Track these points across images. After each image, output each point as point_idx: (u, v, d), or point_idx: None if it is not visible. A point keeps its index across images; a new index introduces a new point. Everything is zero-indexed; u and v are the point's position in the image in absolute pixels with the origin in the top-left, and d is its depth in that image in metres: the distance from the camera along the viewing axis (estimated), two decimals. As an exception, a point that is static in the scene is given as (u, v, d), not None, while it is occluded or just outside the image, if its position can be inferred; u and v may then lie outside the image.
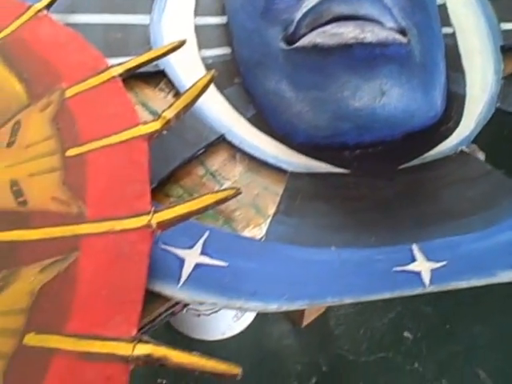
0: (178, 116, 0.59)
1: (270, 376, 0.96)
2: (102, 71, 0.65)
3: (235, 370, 0.46)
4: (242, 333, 0.98)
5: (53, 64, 0.66)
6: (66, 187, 0.56)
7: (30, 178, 0.58)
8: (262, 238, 0.57)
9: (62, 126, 0.61)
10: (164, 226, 0.53)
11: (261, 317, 1.02)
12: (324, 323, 1.05)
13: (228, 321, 0.96)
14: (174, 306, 0.55)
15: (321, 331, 1.05)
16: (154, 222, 0.53)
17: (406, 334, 1.04)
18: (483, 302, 1.05)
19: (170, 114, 0.59)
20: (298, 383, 0.98)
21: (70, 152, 0.59)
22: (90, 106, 0.62)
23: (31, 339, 0.48)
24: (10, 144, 0.60)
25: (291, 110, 0.62)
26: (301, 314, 1.02)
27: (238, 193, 0.53)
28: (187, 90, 0.60)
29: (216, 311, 0.95)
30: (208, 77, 0.60)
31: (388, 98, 0.59)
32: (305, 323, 1.03)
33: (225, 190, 0.54)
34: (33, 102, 0.63)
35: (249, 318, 1.00)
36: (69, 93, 0.63)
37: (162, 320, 0.55)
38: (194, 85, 0.60)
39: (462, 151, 0.63)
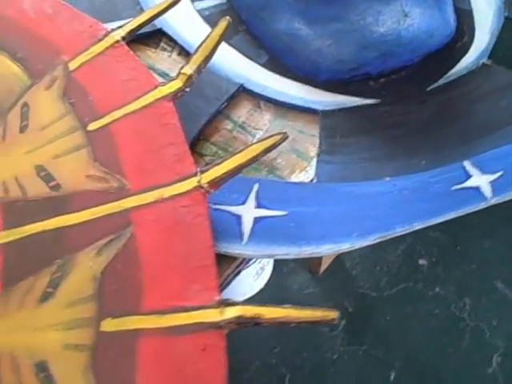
0: (199, 70, 0.56)
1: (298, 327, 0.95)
2: (103, 37, 0.60)
3: (332, 314, 0.45)
4: (261, 290, 0.97)
5: (47, 38, 0.61)
6: (98, 163, 0.53)
7: (56, 161, 0.54)
8: (312, 180, 0.55)
9: (74, 101, 0.57)
10: (215, 184, 0.50)
11: (277, 272, 1.01)
12: (340, 267, 1.05)
13: (249, 281, 0.94)
14: (239, 265, 0.52)
15: (339, 275, 1.05)
16: (204, 182, 0.50)
17: (421, 261, 1.05)
18: (488, 218, 1.07)
19: (190, 70, 0.56)
20: (328, 328, 0.98)
21: (92, 126, 0.55)
22: (99, 75, 0.58)
23: (109, 325, 0.45)
24: (23, 129, 0.56)
25: (310, 48, 0.60)
26: (317, 261, 1.01)
27: (285, 137, 0.51)
28: (203, 42, 0.57)
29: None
30: (223, 25, 0.57)
31: (411, 19, 0.58)
32: (322, 270, 1.03)
33: (271, 136, 0.51)
34: (36, 81, 0.59)
35: (267, 274, 0.99)
36: (72, 65, 0.59)
37: (228, 282, 0.53)
38: (209, 35, 0.57)
39: (483, 64, 0.62)
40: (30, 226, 0.50)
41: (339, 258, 1.06)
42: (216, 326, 0.44)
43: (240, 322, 0.44)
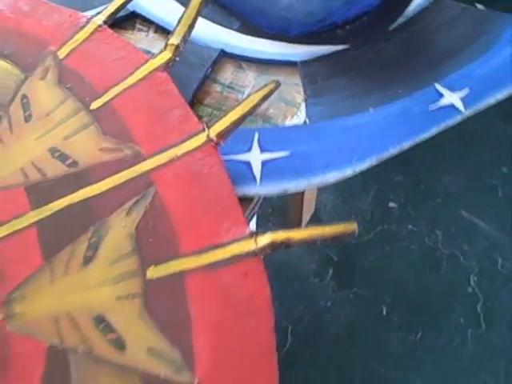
0: (184, 40, 0.59)
1: (291, 283, 1.00)
2: (85, 24, 0.63)
3: (352, 226, 0.49)
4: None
5: (30, 33, 0.63)
6: (108, 136, 0.55)
7: (67, 141, 0.56)
8: (305, 122, 0.59)
9: (72, 85, 0.59)
10: (223, 136, 0.54)
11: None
12: (319, 222, 1.10)
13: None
14: (254, 207, 0.56)
15: (319, 229, 1.09)
16: (213, 136, 0.54)
17: (390, 204, 1.11)
18: (443, 157, 1.14)
19: (176, 40, 0.59)
20: (318, 279, 1.03)
21: (94, 105, 0.57)
22: (90, 59, 0.61)
23: (154, 272, 0.48)
24: (27, 118, 0.58)
25: (279, 6, 0.64)
26: (297, 220, 1.05)
27: (278, 84, 0.55)
28: (184, 13, 0.60)
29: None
30: (200, -7, 0.60)
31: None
32: (302, 227, 1.08)
33: (265, 85, 0.55)
34: (29, 74, 0.60)
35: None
36: (61, 53, 0.61)
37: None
38: (189, 6, 0.60)
39: (435, 0, 0.68)
40: (57, 202, 0.52)
41: (316, 215, 1.11)
42: (252, 254, 0.48)
43: (273, 247, 0.48)
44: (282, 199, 1.09)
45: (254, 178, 0.54)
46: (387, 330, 0.98)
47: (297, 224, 1.07)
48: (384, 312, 1.00)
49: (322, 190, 1.06)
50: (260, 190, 0.54)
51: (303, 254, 1.07)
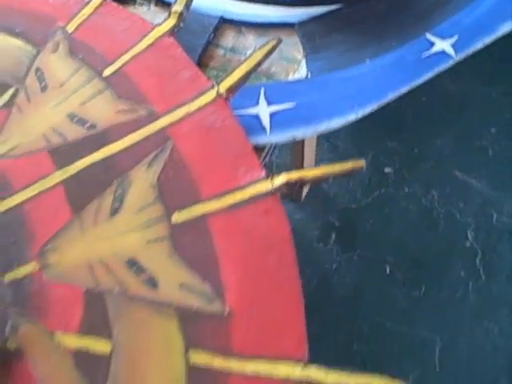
0: (187, 7, 0.62)
1: (296, 250, 1.03)
2: (90, 0, 0.66)
3: (360, 162, 0.52)
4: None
5: (37, 11, 0.66)
6: (123, 99, 0.58)
7: (84, 106, 0.59)
8: (306, 77, 0.62)
9: (83, 56, 0.62)
10: (232, 90, 0.57)
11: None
12: (319, 190, 1.13)
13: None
14: (265, 156, 0.59)
15: (319, 198, 1.12)
16: (222, 91, 0.57)
17: (386, 170, 1.14)
18: (432, 122, 1.18)
19: (179, 8, 0.62)
20: (322, 244, 1.06)
21: (107, 72, 0.60)
22: (99, 31, 0.63)
23: (178, 217, 0.51)
24: (43, 89, 0.60)
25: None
26: (297, 190, 1.08)
27: (280, 41, 0.58)
28: (184, -19, 0.63)
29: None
30: (198, -38, 0.63)
31: None
32: (303, 197, 1.11)
33: (267, 42, 0.58)
34: (40, 49, 0.63)
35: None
36: (70, 28, 0.64)
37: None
38: (188, -26, 0.63)
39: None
40: (80, 162, 0.55)
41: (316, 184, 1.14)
42: (270, 193, 0.51)
43: (289, 185, 0.51)
44: (283, 159, 1.11)
45: (264, 128, 0.57)
46: (392, 287, 1.02)
47: (297, 194, 1.10)
48: (387, 271, 1.03)
49: (318, 160, 1.09)
50: (270, 138, 0.57)
51: (306, 222, 1.10)
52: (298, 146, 0.98)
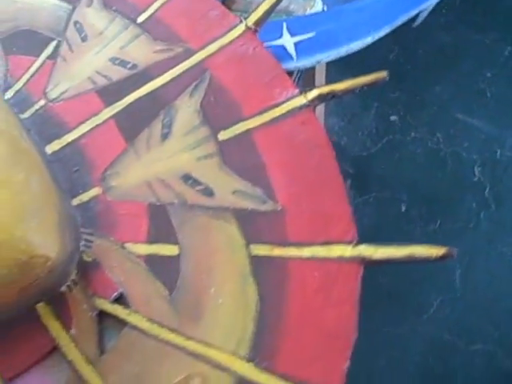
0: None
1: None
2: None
3: (382, 73, 0.57)
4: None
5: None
6: (158, 41, 0.63)
7: (123, 50, 0.63)
8: (323, 10, 0.67)
9: (116, 8, 0.66)
10: (259, 23, 0.61)
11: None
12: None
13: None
14: (294, 81, 0.64)
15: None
16: (250, 24, 0.61)
17: (392, 118, 1.19)
18: (430, 70, 1.23)
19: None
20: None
21: (140, 19, 0.64)
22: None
23: (224, 135, 0.56)
24: (84, 39, 0.65)
25: None
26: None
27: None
28: None
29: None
30: None
31: None
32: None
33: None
34: (76, 5, 0.67)
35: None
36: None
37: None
38: None
39: None
40: (127, 98, 0.60)
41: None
42: (305, 106, 0.55)
43: (321, 98, 0.56)
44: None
45: (291, 56, 0.62)
46: (408, 224, 1.07)
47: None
48: (403, 209, 1.08)
49: (327, 115, 1.13)
50: (297, 64, 0.62)
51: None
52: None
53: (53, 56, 0.64)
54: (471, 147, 1.15)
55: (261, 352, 0.45)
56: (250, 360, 0.45)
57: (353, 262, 0.48)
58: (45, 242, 0.47)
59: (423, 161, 1.14)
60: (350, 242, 0.49)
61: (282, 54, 0.62)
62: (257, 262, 0.49)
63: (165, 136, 0.56)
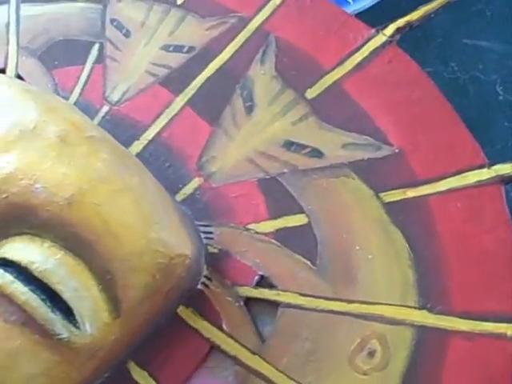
0: None
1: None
2: None
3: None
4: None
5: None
6: (207, 17, 0.59)
7: (173, 35, 0.59)
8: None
9: (150, -5, 0.62)
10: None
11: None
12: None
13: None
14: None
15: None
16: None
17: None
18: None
19: None
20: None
21: (178, 1, 0.61)
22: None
23: (312, 92, 0.53)
24: (126, 35, 0.60)
25: None
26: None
27: None
28: None
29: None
30: None
31: None
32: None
33: None
34: (106, 3, 0.63)
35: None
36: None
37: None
38: None
39: None
40: (195, 82, 0.56)
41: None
42: (387, 43, 0.52)
43: (399, 31, 0.53)
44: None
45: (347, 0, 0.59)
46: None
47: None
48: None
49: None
50: (355, 7, 0.59)
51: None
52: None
53: (100, 60, 0.60)
54: (487, 68, 1.13)
55: (430, 297, 0.43)
56: (422, 307, 0.43)
57: (492, 184, 0.45)
58: (178, 240, 0.44)
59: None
60: (482, 166, 0.46)
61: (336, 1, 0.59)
62: (393, 209, 0.46)
63: (249, 109, 0.53)
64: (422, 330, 0.42)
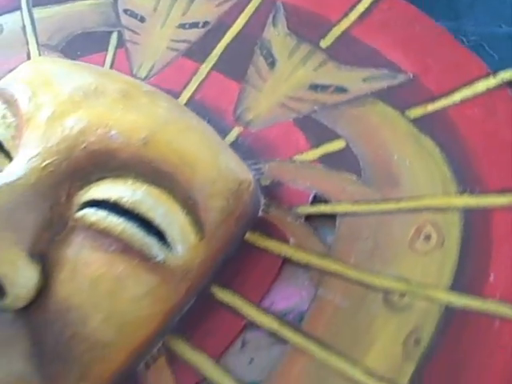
0: None
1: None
2: None
3: None
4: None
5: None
6: (214, -4, 0.65)
7: (186, 15, 0.65)
8: None
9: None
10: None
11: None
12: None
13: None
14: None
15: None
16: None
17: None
18: None
19: None
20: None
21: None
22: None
23: (326, 42, 0.59)
24: (142, 20, 0.66)
25: None
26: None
27: None
28: None
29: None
30: None
31: None
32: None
33: None
34: (114, -2, 0.68)
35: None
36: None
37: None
38: None
39: None
40: (216, 50, 0.61)
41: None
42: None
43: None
44: None
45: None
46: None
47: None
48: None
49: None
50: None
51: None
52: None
53: (120, 45, 0.65)
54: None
55: (468, 183, 0.49)
56: (463, 193, 0.49)
57: (500, 89, 0.53)
58: (241, 168, 0.49)
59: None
60: (488, 75, 0.53)
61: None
62: (418, 123, 0.53)
63: (272, 64, 0.59)
64: (467, 212, 0.48)
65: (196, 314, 0.47)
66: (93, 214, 0.44)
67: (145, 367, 0.46)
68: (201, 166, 0.46)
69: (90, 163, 0.44)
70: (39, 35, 0.67)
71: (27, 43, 0.66)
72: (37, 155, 0.44)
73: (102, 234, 0.43)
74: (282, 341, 0.46)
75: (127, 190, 0.44)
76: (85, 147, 0.44)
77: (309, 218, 0.51)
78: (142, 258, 0.43)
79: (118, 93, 0.48)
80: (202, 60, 0.61)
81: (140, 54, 0.63)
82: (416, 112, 0.53)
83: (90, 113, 0.46)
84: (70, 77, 0.50)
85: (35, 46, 0.66)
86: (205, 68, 0.61)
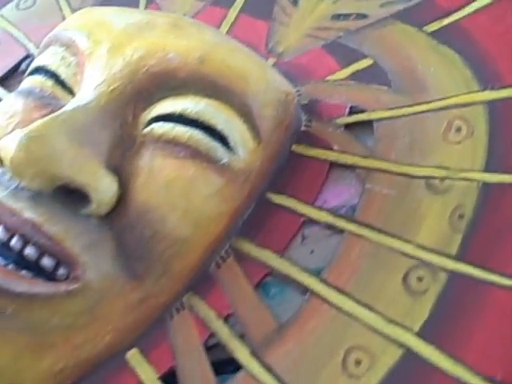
0: None
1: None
2: None
3: None
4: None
5: None
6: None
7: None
8: None
9: None
10: None
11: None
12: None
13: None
14: None
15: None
16: None
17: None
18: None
19: None
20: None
21: None
22: None
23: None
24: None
25: None
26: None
27: None
28: None
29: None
30: None
31: None
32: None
33: None
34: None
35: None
36: None
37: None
38: None
39: None
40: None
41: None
42: None
43: None
44: None
45: None
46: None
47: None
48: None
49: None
50: None
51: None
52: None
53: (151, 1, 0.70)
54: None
55: (488, 80, 0.54)
56: (484, 89, 0.54)
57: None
58: (281, 81, 0.54)
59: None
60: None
61: None
62: (436, 35, 0.58)
63: (295, 2, 0.64)
64: (491, 104, 0.53)
65: (257, 218, 0.52)
66: (160, 127, 0.48)
67: (216, 267, 0.50)
68: (253, 79, 0.50)
69: (152, 84, 0.49)
70: (71, 1, 0.71)
71: (61, 9, 0.71)
72: (103, 82, 0.49)
73: (170, 143, 0.48)
74: (338, 231, 0.50)
75: (190, 102, 0.49)
76: (146, 70, 0.49)
77: (348, 128, 0.56)
78: (209, 161, 0.48)
79: (168, 24, 0.53)
80: (228, 7, 0.66)
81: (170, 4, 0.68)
82: (433, 26, 0.58)
83: (146, 42, 0.51)
84: (121, 16, 0.54)
85: (68, 10, 0.70)
86: (232, 12, 0.66)
